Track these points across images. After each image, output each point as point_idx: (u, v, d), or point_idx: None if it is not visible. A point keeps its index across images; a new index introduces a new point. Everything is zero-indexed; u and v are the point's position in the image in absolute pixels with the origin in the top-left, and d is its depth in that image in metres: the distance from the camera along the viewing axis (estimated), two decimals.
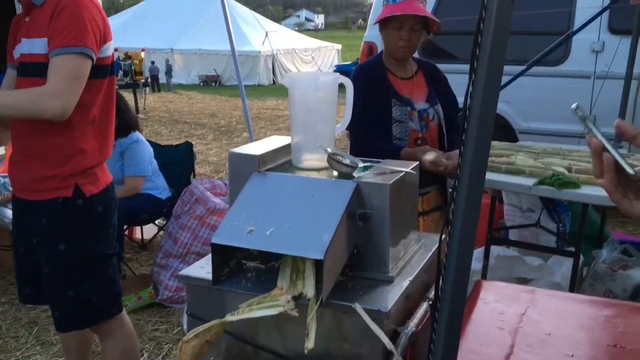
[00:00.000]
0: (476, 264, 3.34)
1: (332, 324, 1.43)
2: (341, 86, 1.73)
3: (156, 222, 4.77)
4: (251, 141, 2.21)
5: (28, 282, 2.34)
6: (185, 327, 1.61)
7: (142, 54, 15.09)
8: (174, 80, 19.87)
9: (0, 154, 4.41)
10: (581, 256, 3.16)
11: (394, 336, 1.42)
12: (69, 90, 2.01)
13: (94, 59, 2.09)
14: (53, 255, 2.19)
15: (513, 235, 3.90)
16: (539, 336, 1.68)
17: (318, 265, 1.38)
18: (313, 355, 1.32)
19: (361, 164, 1.63)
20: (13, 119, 2.16)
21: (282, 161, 1.72)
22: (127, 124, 4.09)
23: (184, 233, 3.92)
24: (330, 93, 1.68)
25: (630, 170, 0.93)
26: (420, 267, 1.62)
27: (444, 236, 1.20)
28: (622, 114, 4.54)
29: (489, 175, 2.89)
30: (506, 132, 5.53)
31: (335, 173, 1.61)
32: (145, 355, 3.32)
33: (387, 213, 1.48)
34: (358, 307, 1.37)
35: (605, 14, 4.96)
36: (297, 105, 1.70)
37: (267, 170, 1.63)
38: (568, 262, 3.30)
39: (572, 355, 1.58)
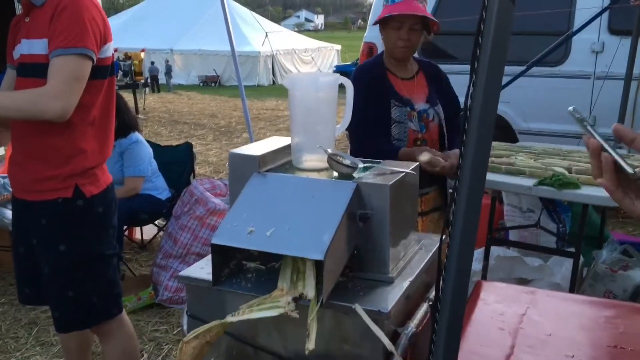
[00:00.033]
0: (476, 265, 3.34)
1: (332, 325, 1.42)
2: (341, 87, 1.73)
3: (156, 222, 4.77)
4: (251, 142, 2.21)
5: (28, 282, 2.34)
6: (185, 327, 1.61)
7: (142, 55, 15.10)
8: (174, 81, 19.87)
9: (0, 155, 4.40)
10: (581, 257, 3.16)
11: (394, 337, 1.42)
12: (69, 91, 2.01)
13: (94, 59, 2.09)
14: (53, 255, 2.19)
15: (513, 235, 3.90)
16: (539, 337, 1.68)
17: (318, 266, 1.38)
18: (313, 356, 1.32)
19: (361, 165, 1.63)
20: (13, 120, 2.16)
21: (282, 162, 1.71)
22: (126, 124, 4.08)
23: (183, 233, 3.92)
24: (330, 94, 1.68)
25: (629, 170, 0.93)
26: (420, 268, 1.62)
27: (444, 237, 1.20)
28: (622, 115, 4.54)
29: (489, 176, 2.89)
30: (506, 132, 5.54)
31: (336, 174, 1.61)
32: (145, 356, 3.32)
33: (387, 214, 1.48)
34: (358, 308, 1.37)
35: (605, 15, 4.96)
36: (297, 106, 1.70)
37: (267, 170, 1.63)
38: (568, 263, 3.30)
39: (573, 356, 1.58)
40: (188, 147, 4.85)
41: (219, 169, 8.16)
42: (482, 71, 1.05)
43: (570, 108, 0.97)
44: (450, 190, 1.15)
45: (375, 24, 2.69)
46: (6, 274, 4.29)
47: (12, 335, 3.54)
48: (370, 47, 5.97)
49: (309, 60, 22.86)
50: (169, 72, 19.52)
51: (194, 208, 3.95)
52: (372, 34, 5.96)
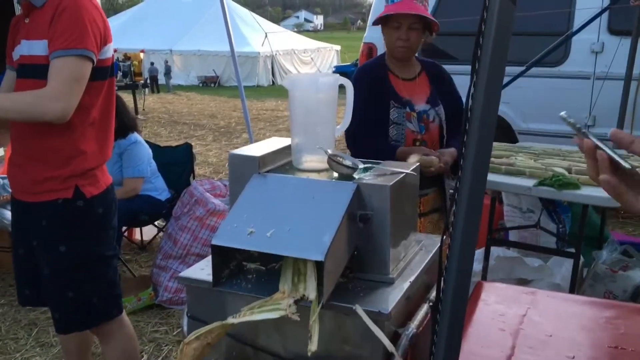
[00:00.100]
0: (476, 265, 3.34)
1: (332, 326, 1.42)
2: (341, 87, 1.73)
3: (156, 223, 4.77)
4: (251, 142, 2.21)
5: (27, 284, 2.34)
6: (185, 328, 1.61)
7: (142, 55, 15.07)
8: (173, 81, 19.87)
9: (0, 156, 4.40)
10: (581, 257, 3.16)
11: (394, 338, 1.41)
12: (70, 93, 2.01)
13: (95, 61, 2.09)
14: (53, 256, 2.18)
15: (513, 236, 3.90)
16: (539, 337, 1.68)
17: (319, 266, 1.38)
18: (314, 357, 1.32)
19: (361, 166, 1.63)
20: (13, 121, 2.15)
21: (282, 162, 1.71)
22: (125, 125, 4.08)
23: (183, 234, 3.92)
24: (330, 94, 1.68)
25: (625, 165, 0.94)
26: (420, 269, 1.62)
27: (444, 237, 1.20)
28: (621, 115, 4.54)
29: (489, 176, 2.88)
30: (506, 133, 5.54)
31: (336, 174, 1.61)
32: (145, 356, 3.32)
33: (387, 214, 1.48)
34: (359, 309, 1.37)
35: (605, 15, 4.97)
36: (297, 106, 1.69)
37: (267, 171, 1.63)
38: (568, 263, 3.30)
39: (573, 357, 1.57)
40: (188, 147, 4.85)
41: (218, 169, 8.16)
42: (483, 71, 1.05)
43: (562, 113, 0.99)
44: (451, 191, 1.15)
45: (374, 23, 2.69)
46: (6, 275, 4.28)
47: (12, 336, 3.54)
48: (369, 48, 5.97)
49: (308, 60, 22.86)
50: (168, 72, 19.52)
51: (193, 209, 3.94)
52: (372, 35, 5.96)
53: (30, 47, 2.09)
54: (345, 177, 1.58)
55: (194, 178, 4.78)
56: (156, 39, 21.01)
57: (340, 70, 18.26)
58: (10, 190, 2.41)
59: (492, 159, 3.22)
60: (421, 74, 2.71)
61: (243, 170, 1.61)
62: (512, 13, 1.05)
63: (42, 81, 2.02)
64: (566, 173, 3.01)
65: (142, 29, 21.58)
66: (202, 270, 1.59)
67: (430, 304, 1.58)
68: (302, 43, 24.18)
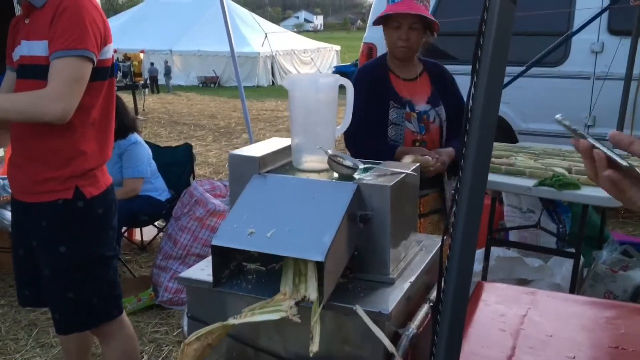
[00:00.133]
0: (476, 265, 3.33)
1: (333, 326, 1.42)
2: (341, 87, 1.73)
3: (156, 223, 4.77)
4: (251, 142, 2.21)
5: (27, 284, 2.33)
6: (185, 329, 1.61)
7: (141, 56, 15.08)
8: (173, 82, 19.87)
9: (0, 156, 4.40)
10: (581, 257, 3.16)
11: (395, 338, 1.41)
12: (70, 93, 2.01)
13: (95, 61, 2.09)
14: (53, 257, 2.18)
15: (513, 236, 3.90)
16: (540, 338, 1.68)
17: (319, 267, 1.38)
18: (314, 357, 1.32)
19: (362, 166, 1.63)
20: (13, 122, 2.15)
21: (282, 163, 1.71)
22: (125, 125, 4.07)
23: (183, 235, 3.92)
24: (330, 95, 1.68)
25: (623, 163, 0.94)
26: (421, 269, 1.62)
27: (445, 237, 1.20)
28: (621, 115, 4.54)
29: (489, 177, 2.88)
30: (506, 133, 5.54)
31: (336, 175, 1.61)
32: (145, 357, 3.31)
33: (387, 215, 1.48)
34: (359, 309, 1.37)
35: (605, 15, 4.97)
36: (297, 107, 1.69)
37: (268, 172, 1.63)
38: (568, 263, 3.30)
39: (574, 357, 1.57)
40: (188, 148, 4.85)
41: (218, 169, 8.15)
42: (483, 72, 1.05)
43: (557, 116, 0.99)
44: (452, 191, 1.15)
45: (375, 23, 2.69)
46: (6, 276, 4.28)
47: (12, 337, 3.53)
48: (369, 48, 5.97)
49: (308, 60, 22.87)
50: (168, 73, 19.52)
51: (193, 209, 3.94)
52: (372, 35, 5.96)
53: (30, 48, 2.09)
54: (346, 177, 1.57)
55: (194, 178, 4.78)
56: (156, 40, 21.01)
57: (340, 71, 18.26)
58: (10, 190, 2.41)
59: (492, 159, 3.21)
60: (422, 74, 2.71)
61: (243, 171, 1.61)
62: (512, 13, 1.04)
63: (42, 82, 2.02)
64: (566, 173, 3.01)
65: (142, 29, 21.58)
66: (202, 270, 1.59)
67: (431, 304, 1.58)
68: (302, 43, 24.19)
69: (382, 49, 2.77)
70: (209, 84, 21.00)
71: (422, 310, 1.54)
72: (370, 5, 6.89)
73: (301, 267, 1.42)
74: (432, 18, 2.56)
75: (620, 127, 4.51)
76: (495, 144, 3.68)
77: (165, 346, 3.43)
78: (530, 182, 3.01)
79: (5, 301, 3.98)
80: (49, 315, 2.79)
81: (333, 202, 1.45)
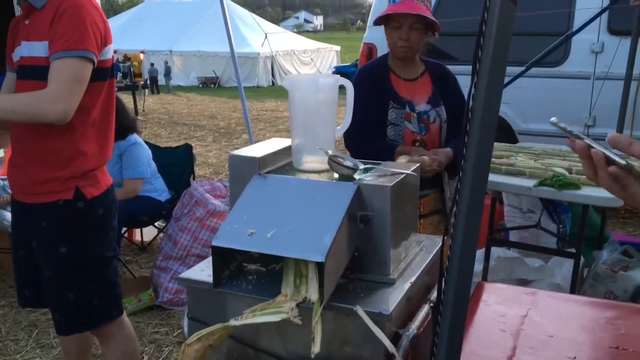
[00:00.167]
0: (477, 266, 3.32)
1: (333, 327, 1.42)
2: (341, 88, 1.73)
3: (156, 224, 4.77)
4: (251, 143, 2.21)
5: (27, 285, 2.33)
6: (185, 330, 1.60)
7: (141, 56, 15.08)
8: (173, 82, 19.87)
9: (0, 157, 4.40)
10: (582, 257, 3.15)
11: (395, 338, 1.41)
12: (70, 94, 2.01)
13: (95, 62, 2.09)
14: (54, 258, 2.18)
15: (513, 236, 3.90)
16: (540, 338, 1.68)
17: (319, 267, 1.37)
18: (315, 358, 1.31)
19: (362, 166, 1.63)
20: (13, 123, 2.15)
21: (282, 163, 1.71)
22: (124, 126, 4.07)
23: (183, 235, 3.91)
24: (331, 95, 1.68)
25: (621, 161, 0.94)
26: (421, 269, 1.62)
27: (445, 238, 1.20)
28: (621, 115, 4.54)
29: (490, 177, 2.88)
30: (506, 133, 5.53)
31: (336, 175, 1.61)
32: (146, 358, 3.31)
33: (388, 215, 1.48)
34: (359, 310, 1.37)
35: (605, 15, 4.97)
36: (297, 107, 1.69)
37: (268, 172, 1.63)
38: (568, 263, 3.30)
39: (574, 358, 1.57)
40: (188, 148, 4.85)
41: (218, 170, 8.15)
42: (483, 72, 1.05)
43: (553, 119, 1.00)
44: (452, 192, 1.15)
45: (376, 23, 2.69)
46: (6, 277, 4.28)
47: (12, 338, 3.53)
48: (369, 48, 5.96)
49: (308, 61, 22.87)
50: (168, 73, 19.52)
51: (194, 210, 3.94)
52: (372, 35, 5.96)
53: (30, 49, 2.09)
54: (346, 177, 1.57)
55: (194, 179, 4.78)
56: (156, 40, 21.02)
57: (340, 71, 18.26)
58: (10, 191, 2.41)
59: (492, 159, 3.22)
60: (424, 75, 2.71)
61: (243, 171, 1.61)
62: (512, 13, 1.04)
63: (42, 82, 2.02)
64: (566, 173, 3.01)
65: (142, 29, 21.60)
66: (203, 271, 1.59)
67: (431, 304, 1.58)
68: (301, 44, 24.19)
69: (382, 49, 2.77)
70: (209, 85, 21.00)
71: (422, 311, 1.54)
72: (370, 6, 6.88)
73: (302, 268, 1.42)
74: (433, 18, 2.55)
75: (620, 127, 4.51)
76: (495, 144, 3.68)
77: (166, 347, 3.43)
78: (530, 183, 3.01)
79: (5, 302, 3.98)
80: (49, 316, 2.79)
81: (333, 203, 1.45)
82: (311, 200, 1.48)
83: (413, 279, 1.55)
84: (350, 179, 1.56)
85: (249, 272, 1.57)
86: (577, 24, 4.92)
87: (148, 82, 16.74)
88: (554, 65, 5.40)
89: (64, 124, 2.04)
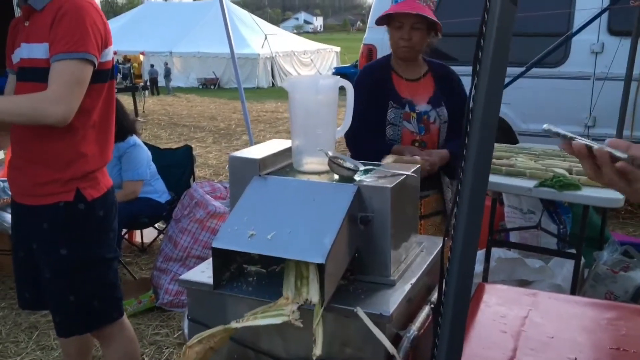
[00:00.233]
0: (477, 267, 3.34)
1: (334, 328, 1.42)
2: (341, 89, 1.73)
3: (156, 225, 4.77)
4: (251, 144, 2.21)
5: (28, 287, 2.33)
6: (186, 331, 1.60)
7: (141, 57, 15.11)
8: (173, 84, 19.88)
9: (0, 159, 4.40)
10: (582, 258, 3.15)
11: (396, 340, 1.41)
12: (70, 96, 2.01)
13: (96, 64, 2.08)
14: (54, 259, 2.18)
15: (514, 237, 3.89)
16: (541, 339, 1.67)
17: (319, 269, 1.37)
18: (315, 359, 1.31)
19: (362, 167, 1.62)
20: (13, 124, 2.15)
21: (282, 165, 1.71)
22: (124, 128, 4.06)
23: (184, 237, 3.91)
24: (331, 96, 1.67)
25: (623, 156, 0.95)
26: (422, 271, 1.62)
27: (446, 239, 1.19)
28: (621, 116, 4.54)
29: (490, 178, 2.88)
30: (506, 134, 5.54)
31: (336, 176, 1.60)
32: (146, 359, 3.31)
33: (388, 216, 1.48)
34: (360, 311, 1.37)
35: (605, 15, 4.97)
36: (297, 108, 1.69)
37: (268, 173, 1.62)
38: (569, 264, 3.30)
39: (575, 359, 1.57)
40: (188, 149, 4.85)
41: (218, 171, 8.15)
42: (484, 73, 1.04)
43: (545, 125, 1.01)
44: (452, 193, 1.15)
45: (377, 23, 2.68)
46: (6, 278, 4.28)
47: (12, 340, 3.53)
48: (369, 49, 5.97)
49: (308, 62, 22.88)
50: (168, 74, 19.54)
51: (194, 211, 3.94)
52: (372, 36, 5.96)
53: (30, 50, 2.09)
54: (346, 179, 1.57)
55: (194, 180, 4.78)
56: (156, 41, 21.03)
57: (340, 72, 18.27)
58: (10, 193, 2.41)
59: (492, 160, 3.22)
60: (427, 75, 2.70)
61: (243, 173, 1.60)
62: (513, 14, 1.04)
63: (42, 84, 2.02)
64: (567, 174, 3.01)
65: (142, 31, 21.61)
66: (203, 272, 1.59)
67: (432, 306, 1.58)
68: (301, 45, 24.20)
69: (382, 50, 2.77)
70: (209, 86, 21.01)
71: (423, 312, 1.54)
72: (370, 7, 6.88)
73: (303, 269, 1.42)
74: (434, 18, 2.55)
75: (620, 127, 4.51)
76: (496, 145, 3.67)
77: (166, 348, 3.43)
78: (530, 183, 3.01)
79: (5, 304, 3.98)
80: (49, 317, 2.79)
81: (333, 204, 1.45)
82: (311, 202, 1.48)
83: (413, 280, 1.55)
84: (350, 180, 1.56)
85: (249, 274, 1.56)
86: (577, 24, 4.93)
87: (148, 83, 16.76)
88: (554, 65, 5.41)
89: (64, 125, 2.04)
